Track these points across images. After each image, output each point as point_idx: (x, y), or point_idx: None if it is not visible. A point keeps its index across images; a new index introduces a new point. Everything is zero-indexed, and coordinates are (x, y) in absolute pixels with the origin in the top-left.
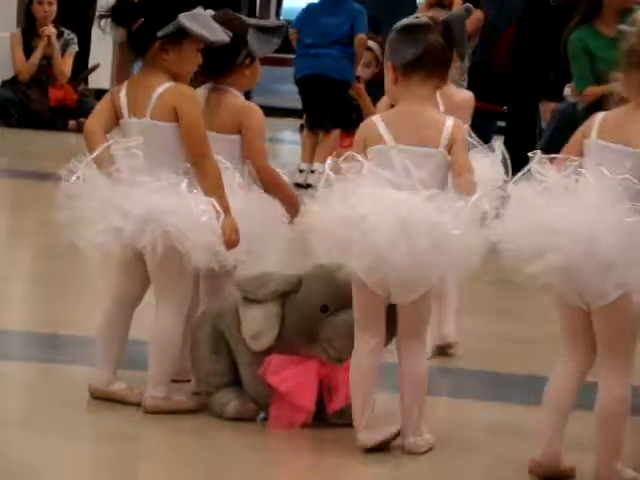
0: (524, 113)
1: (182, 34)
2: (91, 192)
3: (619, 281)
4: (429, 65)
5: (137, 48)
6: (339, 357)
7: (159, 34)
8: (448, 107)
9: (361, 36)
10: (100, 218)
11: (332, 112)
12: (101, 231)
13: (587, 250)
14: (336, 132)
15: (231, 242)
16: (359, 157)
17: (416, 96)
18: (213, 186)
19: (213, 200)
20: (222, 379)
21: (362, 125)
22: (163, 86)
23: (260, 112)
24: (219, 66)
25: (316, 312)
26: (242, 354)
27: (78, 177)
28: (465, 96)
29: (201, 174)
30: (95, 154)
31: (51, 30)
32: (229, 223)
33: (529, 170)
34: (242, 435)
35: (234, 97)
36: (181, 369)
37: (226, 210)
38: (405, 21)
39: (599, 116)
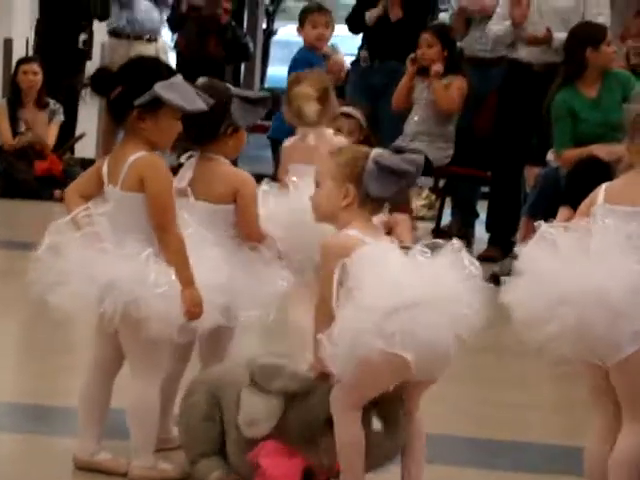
0: (508, 178)
1: (158, 103)
2: (60, 256)
3: (632, 332)
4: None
5: (116, 117)
6: (332, 468)
7: (135, 103)
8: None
9: None
10: (66, 281)
11: None
12: (67, 294)
13: (598, 301)
14: None
15: (191, 314)
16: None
17: (364, 225)
18: (175, 257)
19: (173, 268)
20: (209, 447)
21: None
22: (135, 155)
23: (252, 180)
24: (202, 135)
25: (321, 423)
26: (233, 431)
27: (48, 244)
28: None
29: (164, 245)
30: (68, 218)
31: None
32: (189, 295)
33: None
34: None
35: (224, 166)
36: (166, 437)
37: (187, 283)
38: (398, 165)
39: (604, 185)
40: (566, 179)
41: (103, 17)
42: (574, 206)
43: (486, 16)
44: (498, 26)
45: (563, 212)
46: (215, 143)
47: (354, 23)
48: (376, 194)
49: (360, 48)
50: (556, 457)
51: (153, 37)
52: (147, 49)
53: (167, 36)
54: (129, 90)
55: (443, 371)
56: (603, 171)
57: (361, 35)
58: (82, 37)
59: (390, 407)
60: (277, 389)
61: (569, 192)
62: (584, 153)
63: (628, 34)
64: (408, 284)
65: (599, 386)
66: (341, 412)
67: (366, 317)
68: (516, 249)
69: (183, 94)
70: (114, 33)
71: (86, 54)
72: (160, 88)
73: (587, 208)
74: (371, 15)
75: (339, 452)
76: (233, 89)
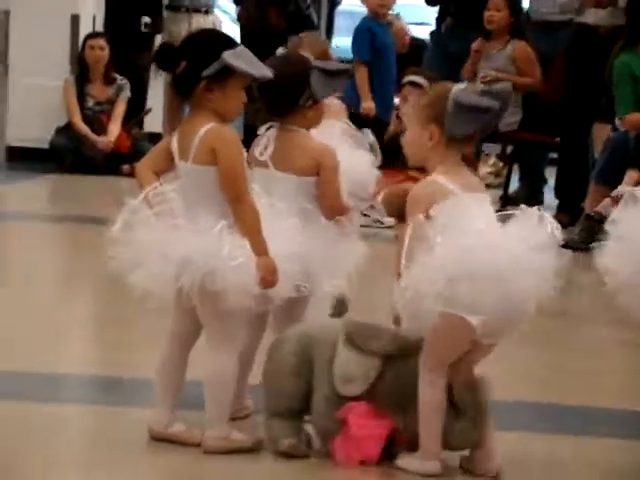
0: (576, 143)
1: (227, 72)
2: (134, 236)
3: None
4: (473, 141)
5: (183, 91)
6: (416, 435)
7: (204, 74)
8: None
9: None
10: (143, 262)
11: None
12: (144, 275)
13: None
14: None
15: (265, 283)
16: None
17: (452, 164)
18: (249, 227)
19: (248, 239)
20: (293, 404)
21: (424, 184)
22: (205, 127)
23: (334, 152)
24: (282, 107)
25: (415, 388)
26: (324, 386)
27: (123, 222)
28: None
29: (237, 215)
30: (141, 196)
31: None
32: (263, 264)
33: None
34: (301, 471)
35: (306, 138)
36: (240, 406)
37: (260, 252)
38: (478, 102)
39: None
40: (634, 142)
41: None
42: None
43: None
44: None
45: (632, 175)
46: (295, 115)
47: None
48: (457, 133)
49: (439, 18)
50: (626, 421)
51: (210, 10)
52: (205, 21)
53: (231, 9)
54: (194, 63)
55: (510, 335)
56: None
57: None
58: (144, 20)
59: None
60: (375, 350)
61: (638, 155)
62: None
63: None
64: (480, 250)
65: None
66: (423, 372)
67: (431, 279)
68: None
69: (251, 62)
70: (171, 7)
71: (150, 35)
72: (229, 56)
73: None
74: None
75: (420, 411)
76: (313, 61)
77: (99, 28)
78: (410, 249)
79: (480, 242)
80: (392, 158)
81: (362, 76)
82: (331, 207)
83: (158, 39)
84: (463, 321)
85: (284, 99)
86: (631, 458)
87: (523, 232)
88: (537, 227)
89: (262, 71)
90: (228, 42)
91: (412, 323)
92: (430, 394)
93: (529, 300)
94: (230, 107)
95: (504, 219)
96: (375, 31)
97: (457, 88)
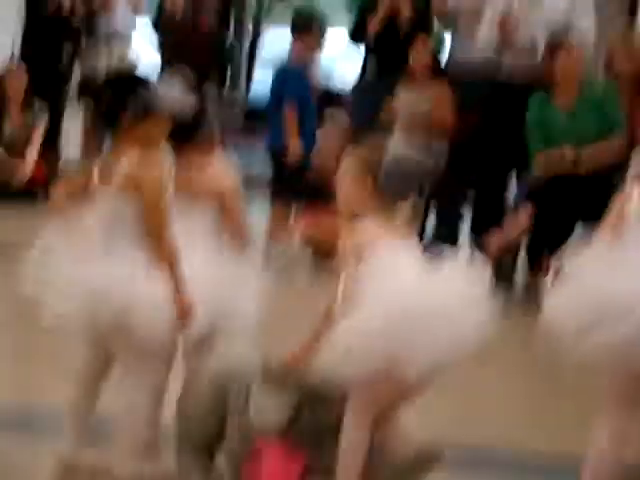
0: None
1: (150, 107)
2: (49, 266)
3: None
4: None
5: (108, 120)
6: (330, 472)
7: (127, 111)
8: None
9: None
10: (54, 291)
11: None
12: (56, 302)
13: None
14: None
15: (182, 319)
16: None
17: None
18: (166, 261)
19: (165, 274)
20: (206, 438)
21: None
22: (128, 158)
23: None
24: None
25: (333, 426)
26: (234, 425)
27: (38, 250)
28: None
29: (156, 249)
30: (57, 221)
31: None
32: (180, 301)
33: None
34: None
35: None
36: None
37: (178, 287)
38: None
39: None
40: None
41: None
42: None
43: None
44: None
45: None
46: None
47: (357, 33)
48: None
49: (364, 62)
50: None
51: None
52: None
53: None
54: (118, 96)
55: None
56: None
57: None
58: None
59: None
60: (294, 387)
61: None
62: None
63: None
64: (411, 297)
65: (632, 397)
66: (348, 413)
67: (362, 333)
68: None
69: (170, 98)
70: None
71: (70, 63)
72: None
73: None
74: (375, 21)
75: (340, 451)
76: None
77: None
78: (342, 302)
79: (410, 289)
80: (314, 195)
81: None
82: (235, 232)
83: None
84: (396, 373)
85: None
86: None
87: (454, 277)
88: (467, 270)
89: (184, 106)
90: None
91: (341, 373)
92: (353, 436)
93: (462, 345)
94: (154, 137)
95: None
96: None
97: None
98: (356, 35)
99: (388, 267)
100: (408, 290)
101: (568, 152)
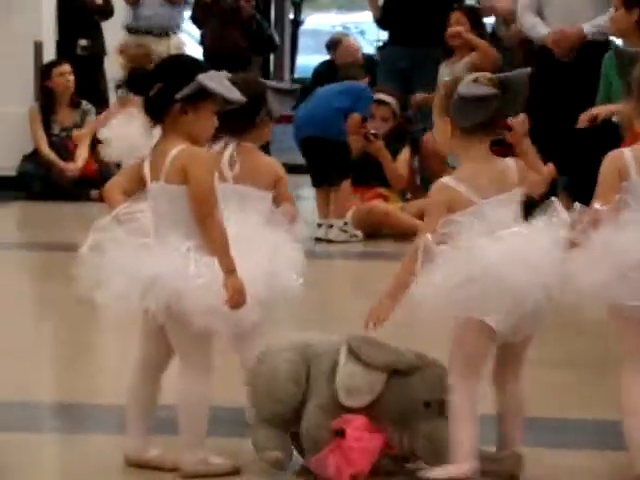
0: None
1: (200, 95)
2: (102, 256)
3: None
4: (490, 129)
5: (155, 113)
6: (411, 455)
7: (178, 96)
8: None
9: (355, 117)
10: (109, 281)
11: (333, 169)
12: (110, 295)
13: None
14: (345, 185)
15: (233, 302)
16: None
17: (477, 154)
18: (217, 247)
19: (215, 262)
20: (285, 410)
21: (439, 189)
22: (176, 149)
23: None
24: (242, 124)
25: (418, 405)
26: (318, 396)
27: (91, 242)
28: None
29: (206, 235)
30: (110, 215)
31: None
32: (231, 284)
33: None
34: None
35: (264, 156)
36: None
37: (229, 271)
38: (475, 91)
39: (628, 154)
40: None
41: (104, 17)
42: None
43: None
44: None
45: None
46: (252, 132)
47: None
48: (463, 124)
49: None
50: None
51: (164, 33)
52: (159, 45)
53: (195, 31)
54: (169, 85)
55: (533, 330)
56: None
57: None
58: (81, 42)
59: None
60: (383, 364)
61: None
62: None
63: None
64: (489, 255)
65: None
66: (450, 382)
67: (444, 286)
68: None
69: (224, 85)
70: (128, 29)
71: (92, 60)
72: (204, 79)
73: (617, 178)
74: None
75: (449, 419)
76: (266, 81)
77: (52, 54)
78: (422, 260)
79: (490, 249)
80: (362, 175)
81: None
82: (290, 215)
83: (106, 61)
84: (480, 323)
85: (243, 118)
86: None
87: (533, 234)
88: (547, 228)
89: (235, 94)
90: (201, 65)
91: (426, 328)
92: (458, 403)
93: (539, 298)
94: (202, 129)
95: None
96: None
97: (465, 80)
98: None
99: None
100: (489, 245)
101: None
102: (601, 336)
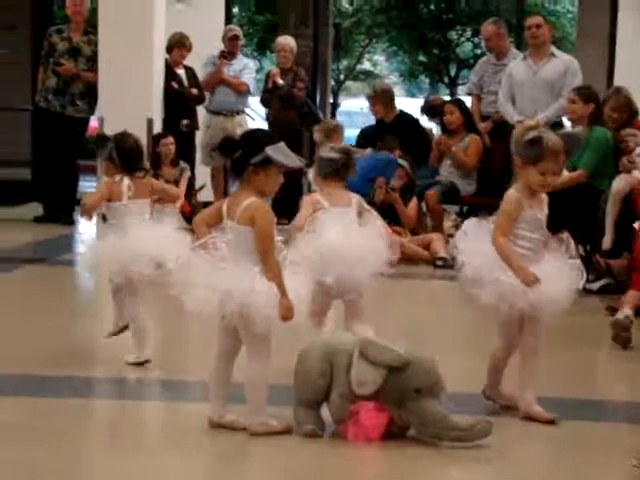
0: None
1: (268, 161)
2: (193, 271)
3: None
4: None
5: (236, 171)
6: (406, 427)
7: (252, 161)
8: None
9: (380, 180)
10: (196, 292)
11: None
12: (198, 300)
13: None
14: None
15: (285, 318)
16: None
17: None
18: (273, 275)
19: (273, 285)
20: (317, 397)
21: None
22: (248, 200)
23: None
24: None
25: (410, 390)
26: (341, 387)
27: (183, 261)
28: None
29: (266, 265)
30: (198, 242)
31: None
32: (284, 304)
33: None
34: (319, 447)
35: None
36: None
37: (282, 294)
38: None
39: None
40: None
41: (199, 103)
42: None
43: None
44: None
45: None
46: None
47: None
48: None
49: None
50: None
51: (230, 114)
52: (230, 122)
53: (261, 110)
54: (247, 152)
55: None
56: None
57: None
58: (184, 122)
59: None
60: (384, 363)
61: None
62: None
63: None
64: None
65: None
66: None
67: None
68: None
69: (285, 154)
70: (206, 109)
71: (189, 133)
72: (269, 150)
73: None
74: None
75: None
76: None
77: (159, 127)
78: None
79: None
80: (383, 217)
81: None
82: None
83: (197, 135)
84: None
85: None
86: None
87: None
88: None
89: (294, 162)
90: (272, 138)
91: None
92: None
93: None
94: (269, 186)
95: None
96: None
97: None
98: None
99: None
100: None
101: None
102: None
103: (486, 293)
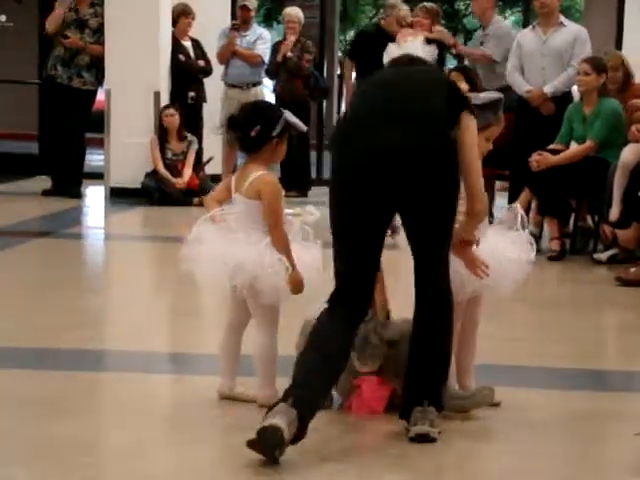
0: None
1: (285, 130)
2: (203, 244)
3: None
4: None
5: (257, 146)
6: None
7: (274, 133)
8: None
9: None
10: (206, 265)
11: None
12: (207, 274)
13: None
14: None
15: (295, 290)
16: None
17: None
18: (282, 247)
19: (283, 257)
20: None
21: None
22: (255, 174)
23: None
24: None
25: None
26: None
27: (195, 234)
28: None
29: (274, 238)
30: (208, 215)
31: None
32: (293, 276)
33: None
34: (329, 416)
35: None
36: None
37: (291, 266)
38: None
39: None
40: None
41: (206, 75)
42: None
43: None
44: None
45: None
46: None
47: None
48: None
49: None
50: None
51: (246, 86)
52: (246, 94)
53: (269, 83)
54: (267, 126)
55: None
56: None
57: None
58: (190, 94)
59: None
60: (382, 340)
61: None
62: None
63: None
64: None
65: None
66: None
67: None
68: None
69: (294, 118)
70: (227, 84)
71: (196, 105)
72: (287, 116)
73: None
74: None
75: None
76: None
77: (166, 100)
78: None
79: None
80: None
81: None
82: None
83: (204, 108)
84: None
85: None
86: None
87: None
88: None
89: (302, 125)
90: (278, 107)
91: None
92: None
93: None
94: (281, 154)
95: None
96: None
97: None
98: None
99: None
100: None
101: None
102: None
103: None
